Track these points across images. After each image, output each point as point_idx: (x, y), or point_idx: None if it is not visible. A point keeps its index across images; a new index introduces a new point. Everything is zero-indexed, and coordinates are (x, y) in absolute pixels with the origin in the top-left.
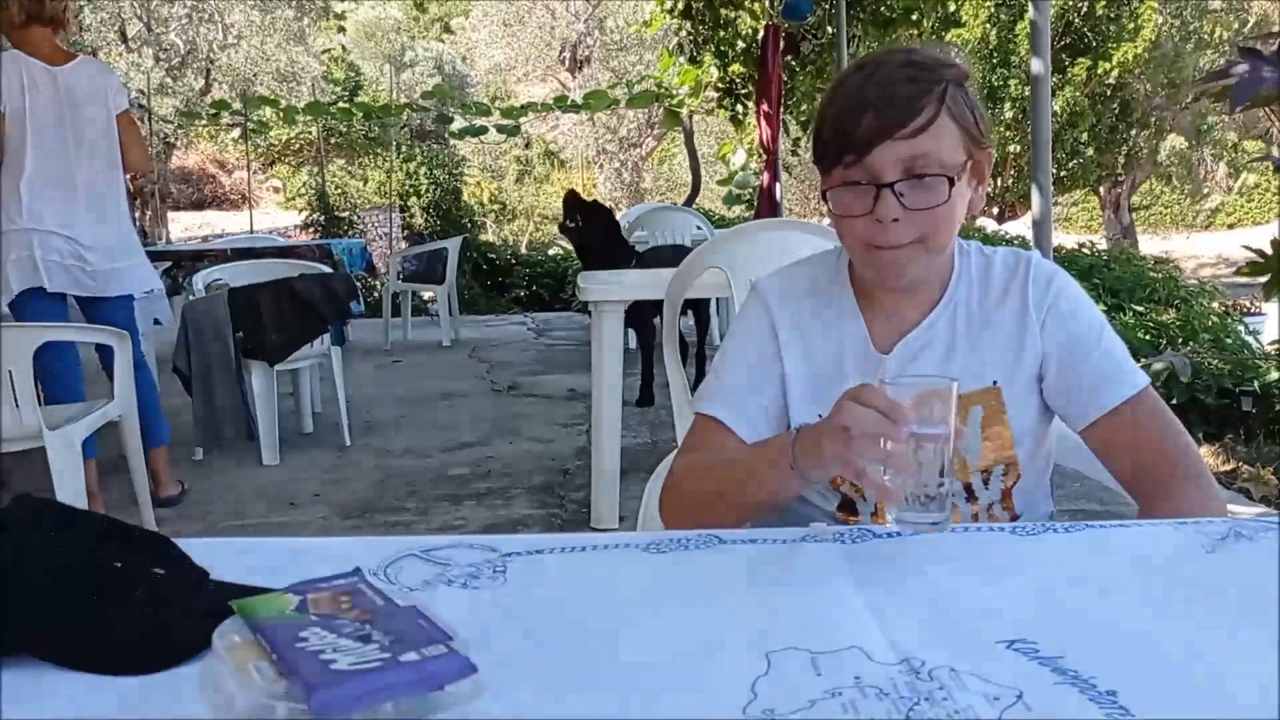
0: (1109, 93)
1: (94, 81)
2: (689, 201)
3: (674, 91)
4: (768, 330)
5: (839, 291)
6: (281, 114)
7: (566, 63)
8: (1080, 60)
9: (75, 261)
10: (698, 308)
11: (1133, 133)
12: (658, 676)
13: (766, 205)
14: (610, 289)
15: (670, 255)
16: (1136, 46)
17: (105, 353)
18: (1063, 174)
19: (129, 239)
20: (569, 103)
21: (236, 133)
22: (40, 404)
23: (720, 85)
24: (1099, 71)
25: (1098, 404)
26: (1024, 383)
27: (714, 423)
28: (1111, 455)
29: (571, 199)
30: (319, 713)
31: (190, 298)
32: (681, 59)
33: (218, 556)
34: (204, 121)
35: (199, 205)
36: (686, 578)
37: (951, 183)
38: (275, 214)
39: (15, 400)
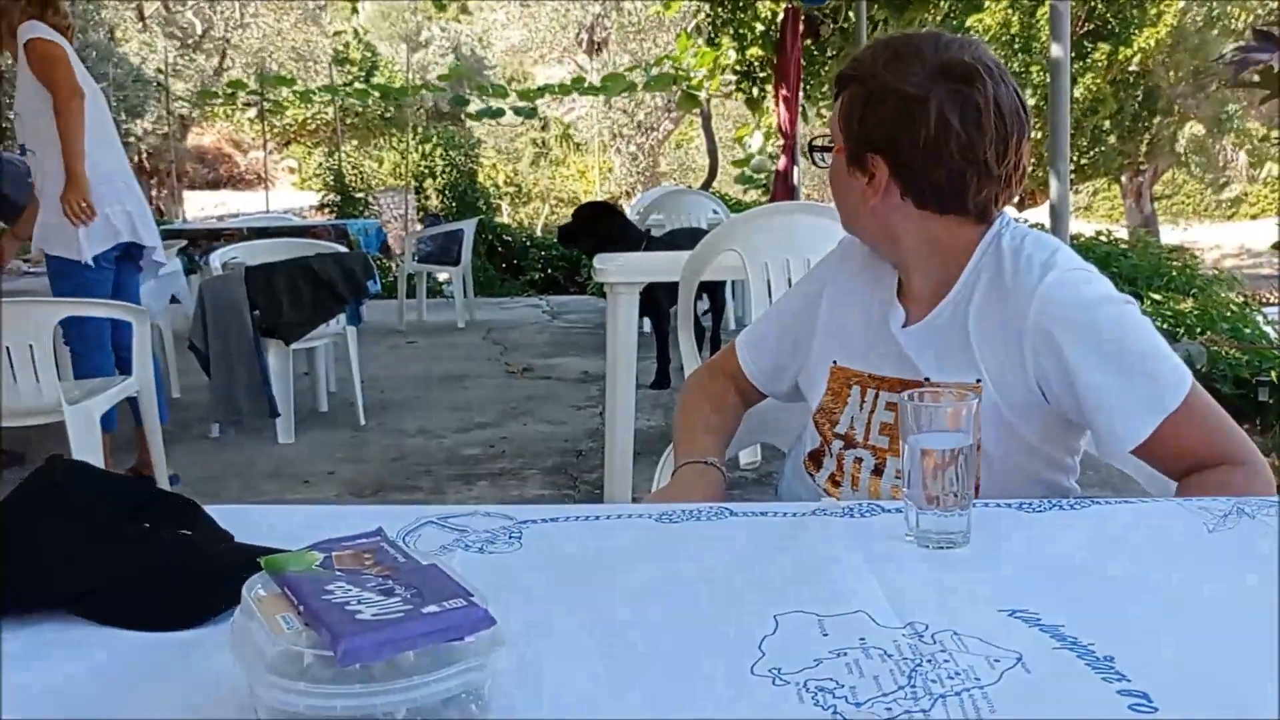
0: (1131, 79)
1: None
2: (706, 185)
3: (691, 74)
4: (818, 288)
5: (891, 266)
6: (297, 94)
7: (584, 45)
8: (1101, 46)
9: (134, 210)
10: (713, 290)
11: (1155, 121)
12: (669, 636)
13: (783, 189)
14: (626, 270)
15: (687, 239)
16: (1159, 32)
17: (114, 331)
18: (1084, 162)
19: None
20: (586, 85)
21: (252, 112)
22: (69, 374)
23: (738, 68)
24: (1120, 58)
25: (1129, 436)
26: (1012, 396)
27: (734, 349)
28: (1157, 466)
29: (563, 234)
30: (345, 660)
31: (206, 276)
32: (699, 41)
33: (239, 523)
34: (220, 101)
35: (214, 185)
36: (698, 546)
37: (825, 151)
38: (290, 194)
39: (36, 375)
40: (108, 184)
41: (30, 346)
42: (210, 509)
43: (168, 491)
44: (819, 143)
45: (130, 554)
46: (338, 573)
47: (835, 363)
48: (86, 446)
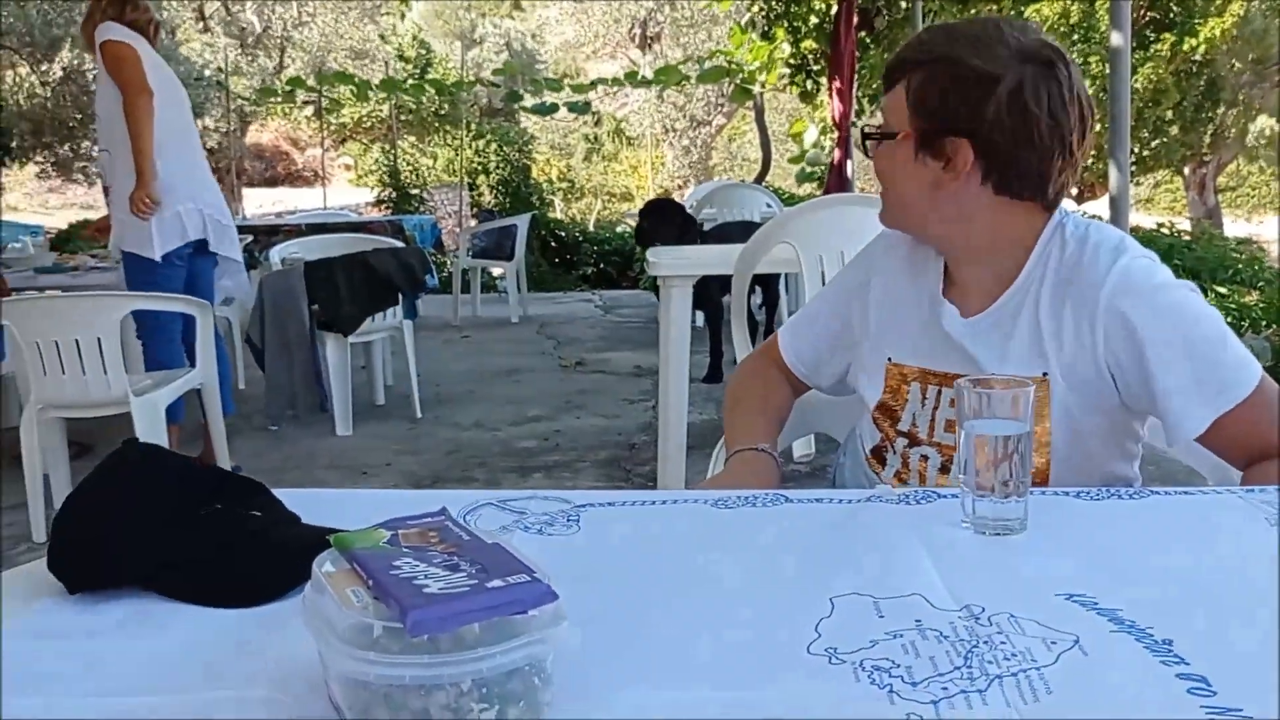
0: (1195, 70)
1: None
2: (759, 179)
3: (745, 67)
4: (862, 280)
5: (935, 259)
6: (355, 91)
7: (636, 39)
8: (1165, 36)
9: (205, 210)
10: (766, 284)
11: (1219, 111)
12: (724, 617)
13: (836, 182)
14: (679, 264)
15: (739, 232)
16: (1224, 21)
17: (187, 326)
18: (1145, 154)
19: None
20: (639, 78)
21: (310, 110)
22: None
23: (792, 61)
24: (1184, 48)
25: (1200, 418)
26: (1081, 386)
27: (776, 340)
28: (1223, 453)
29: (640, 237)
30: (414, 631)
31: (265, 272)
32: (753, 35)
33: (305, 506)
34: (279, 99)
35: (272, 182)
36: (753, 531)
37: (880, 140)
38: (347, 191)
39: (104, 367)
40: (182, 183)
41: (98, 340)
42: (277, 492)
43: (237, 474)
44: (874, 130)
45: (204, 533)
46: (404, 549)
47: (890, 359)
48: (152, 437)
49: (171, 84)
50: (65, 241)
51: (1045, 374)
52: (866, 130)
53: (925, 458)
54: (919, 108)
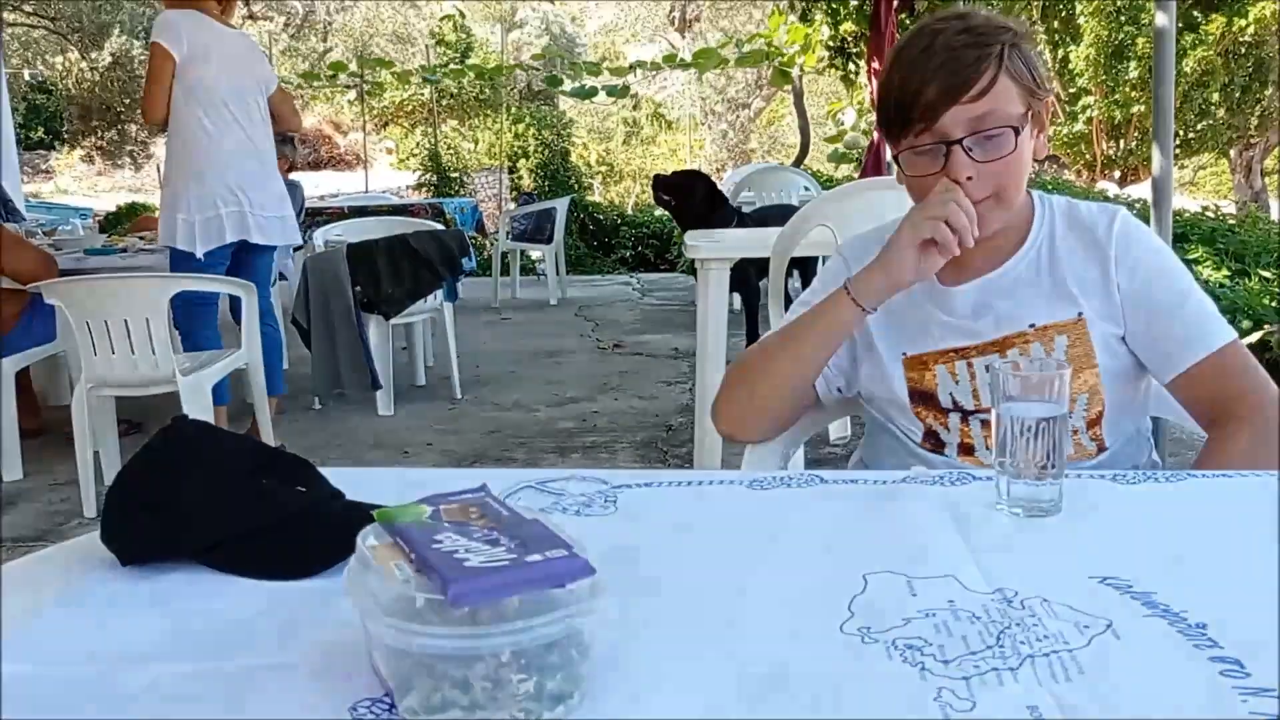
0: (1243, 51)
1: (252, 51)
2: (797, 162)
3: (784, 50)
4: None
5: None
6: (396, 75)
7: (675, 22)
8: (1214, 17)
9: (250, 209)
10: (804, 267)
11: (1267, 93)
12: (759, 595)
13: (874, 164)
14: (717, 246)
15: (778, 215)
16: (1275, 2)
17: (235, 303)
18: (1190, 136)
19: (285, 193)
20: (678, 60)
21: (352, 94)
22: (180, 348)
23: (831, 44)
24: (1234, 28)
25: (1182, 359)
26: (1110, 326)
27: None
28: (1192, 405)
29: (659, 183)
30: (455, 603)
31: (309, 254)
32: (792, 17)
33: (348, 483)
34: (323, 83)
35: (315, 166)
36: (788, 511)
37: (1016, 132)
38: (388, 174)
39: (152, 347)
40: (230, 183)
41: (146, 320)
42: (320, 470)
43: (284, 451)
44: (998, 133)
45: (254, 508)
46: (446, 524)
47: (905, 354)
48: (199, 415)
49: (233, 71)
50: (114, 224)
51: (1080, 314)
52: (988, 133)
53: (985, 423)
54: (1024, 84)
